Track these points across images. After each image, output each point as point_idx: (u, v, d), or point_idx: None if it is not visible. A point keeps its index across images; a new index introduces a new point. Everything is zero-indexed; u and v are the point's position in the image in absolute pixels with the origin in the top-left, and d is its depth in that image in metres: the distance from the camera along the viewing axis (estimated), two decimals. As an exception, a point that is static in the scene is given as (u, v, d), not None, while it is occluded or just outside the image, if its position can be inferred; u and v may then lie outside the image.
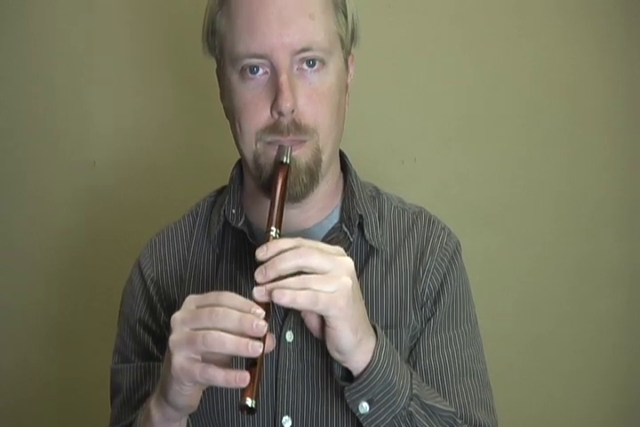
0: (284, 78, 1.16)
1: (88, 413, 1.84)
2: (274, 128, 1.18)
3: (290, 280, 1.01)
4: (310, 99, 1.18)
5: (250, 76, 1.19)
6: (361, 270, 1.26)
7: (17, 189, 1.91)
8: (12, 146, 1.90)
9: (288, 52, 1.16)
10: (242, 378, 0.97)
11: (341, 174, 1.34)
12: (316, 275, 1.01)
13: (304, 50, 1.17)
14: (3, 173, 1.91)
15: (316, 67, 1.19)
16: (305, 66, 1.19)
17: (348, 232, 1.26)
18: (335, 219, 1.29)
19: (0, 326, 1.91)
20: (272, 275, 1.01)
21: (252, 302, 1.00)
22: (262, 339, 0.98)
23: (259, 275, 1.01)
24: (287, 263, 1.01)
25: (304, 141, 1.19)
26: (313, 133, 1.19)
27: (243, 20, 1.18)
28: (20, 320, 1.91)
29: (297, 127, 1.18)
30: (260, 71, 1.18)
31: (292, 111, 1.17)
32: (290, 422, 1.21)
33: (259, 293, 1.00)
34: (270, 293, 1.00)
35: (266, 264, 1.02)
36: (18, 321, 1.91)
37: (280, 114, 1.17)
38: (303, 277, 1.01)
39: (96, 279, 1.89)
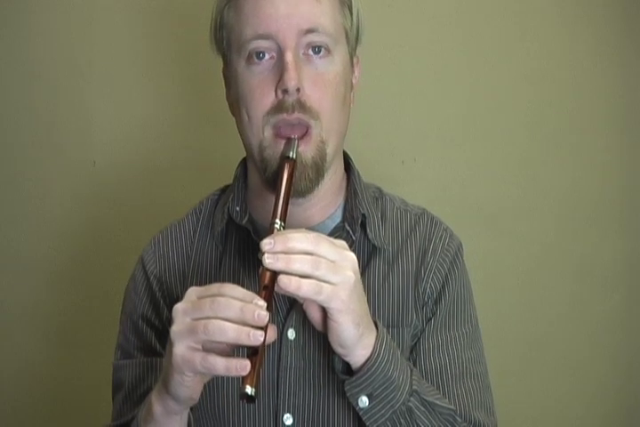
0: (289, 57, 1.17)
1: (88, 413, 1.84)
2: (279, 107, 1.18)
3: (300, 256, 1.01)
4: (315, 83, 1.19)
5: (256, 61, 1.20)
6: (363, 270, 1.26)
7: (17, 189, 1.91)
8: (13, 146, 1.90)
9: (294, 31, 1.18)
10: (242, 366, 0.97)
11: (345, 174, 1.35)
12: (326, 260, 1.02)
13: (310, 31, 1.19)
14: (3, 173, 1.91)
15: (321, 53, 1.20)
16: (311, 52, 1.20)
17: (351, 231, 1.26)
18: (338, 218, 1.30)
19: (0, 326, 1.91)
20: (279, 248, 1.01)
21: (253, 294, 1.00)
22: (264, 329, 0.98)
23: (266, 245, 1.01)
24: (297, 244, 1.01)
25: (309, 127, 1.19)
26: (317, 117, 1.20)
27: (250, 7, 1.20)
28: (20, 320, 1.91)
29: (301, 106, 1.18)
30: (267, 56, 1.20)
31: (298, 90, 1.17)
32: (291, 420, 1.21)
33: (269, 260, 1.00)
34: (278, 277, 1.00)
35: (276, 239, 1.02)
36: (18, 321, 1.91)
37: (285, 92, 1.17)
38: (315, 258, 1.01)
39: (96, 279, 1.89)
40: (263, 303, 0.99)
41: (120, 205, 1.90)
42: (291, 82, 1.16)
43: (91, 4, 1.88)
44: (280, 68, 1.18)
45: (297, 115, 1.18)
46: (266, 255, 1.00)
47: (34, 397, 1.91)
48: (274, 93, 1.18)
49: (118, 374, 1.31)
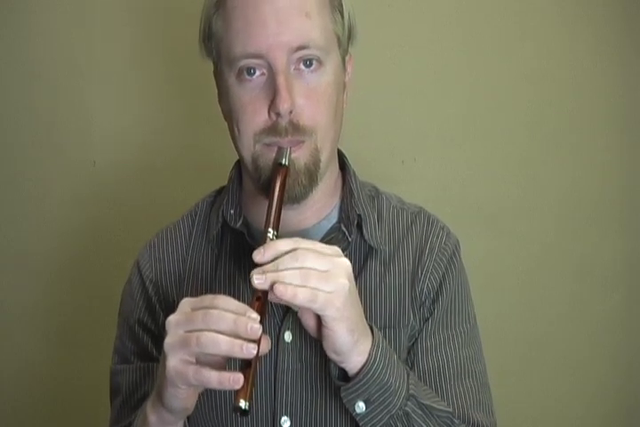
0: (281, 79, 1.15)
1: (88, 413, 1.85)
2: (272, 130, 1.17)
3: (290, 273, 1.00)
4: (308, 99, 1.18)
5: (247, 77, 1.18)
6: (359, 270, 1.25)
7: (17, 189, 1.91)
8: (13, 146, 1.90)
9: (285, 50, 1.16)
10: (235, 380, 0.96)
11: (340, 174, 1.33)
12: (316, 271, 1.01)
13: (301, 48, 1.16)
14: (3, 173, 1.91)
15: (313, 67, 1.18)
16: (302, 66, 1.18)
17: (347, 232, 1.25)
18: (334, 218, 1.29)
19: (0, 326, 1.91)
20: (269, 256, 1.01)
21: (246, 306, 1.00)
22: (257, 342, 0.98)
23: (257, 255, 1.01)
24: (285, 266, 1.01)
25: (302, 142, 1.19)
26: (311, 134, 1.19)
27: (239, 22, 1.18)
28: (20, 320, 1.91)
29: (295, 128, 1.17)
30: (257, 73, 1.18)
31: (290, 112, 1.16)
32: (288, 423, 1.21)
33: (258, 280, 1.00)
34: (272, 286, 0.99)
35: (265, 250, 1.02)
36: (18, 321, 1.91)
37: (278, 115, 1.16)
38: (304, 271, 1.00)
39: (96, 279, 1.89)
40: (256, 316, 0.99)
41: (120, 205, 1.90)
42: (284, 105, 1.14)
43: (91, 4, 1.88)
44: (272, 86, 1.16)
45: (290, 138, 1.17)
46: (255, 276, 1.00)
47: (34, 397, 1.91)
48: (266, 113, 1.17)
49: (116, 379, 1.31)
